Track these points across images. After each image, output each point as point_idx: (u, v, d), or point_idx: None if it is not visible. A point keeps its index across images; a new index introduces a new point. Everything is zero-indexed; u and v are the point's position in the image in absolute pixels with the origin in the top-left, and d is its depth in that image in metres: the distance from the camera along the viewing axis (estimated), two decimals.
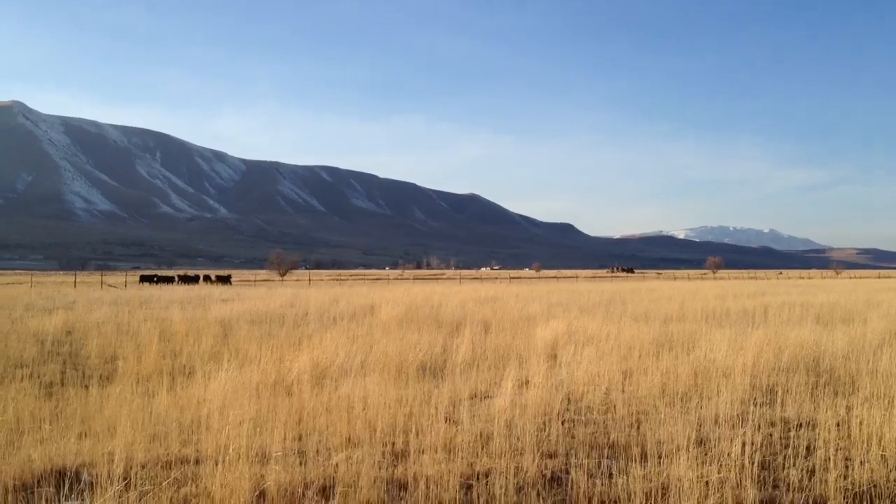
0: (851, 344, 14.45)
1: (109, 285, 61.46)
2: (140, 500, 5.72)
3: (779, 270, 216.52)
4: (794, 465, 6.65)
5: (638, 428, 8.12)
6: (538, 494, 5.98)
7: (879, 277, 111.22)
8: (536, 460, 6.74)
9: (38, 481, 6.30)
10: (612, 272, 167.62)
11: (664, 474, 6.15)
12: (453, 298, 32.99)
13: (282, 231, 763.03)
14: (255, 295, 39.00)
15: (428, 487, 6.00)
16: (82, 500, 5.92)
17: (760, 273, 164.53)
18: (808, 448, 7.25)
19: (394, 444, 7.52)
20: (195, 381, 11.00)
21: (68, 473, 6.52)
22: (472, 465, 6.74)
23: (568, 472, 6.51)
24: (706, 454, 6.72)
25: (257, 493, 5.88)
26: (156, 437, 7.84)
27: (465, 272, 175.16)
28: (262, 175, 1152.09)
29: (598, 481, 6.23)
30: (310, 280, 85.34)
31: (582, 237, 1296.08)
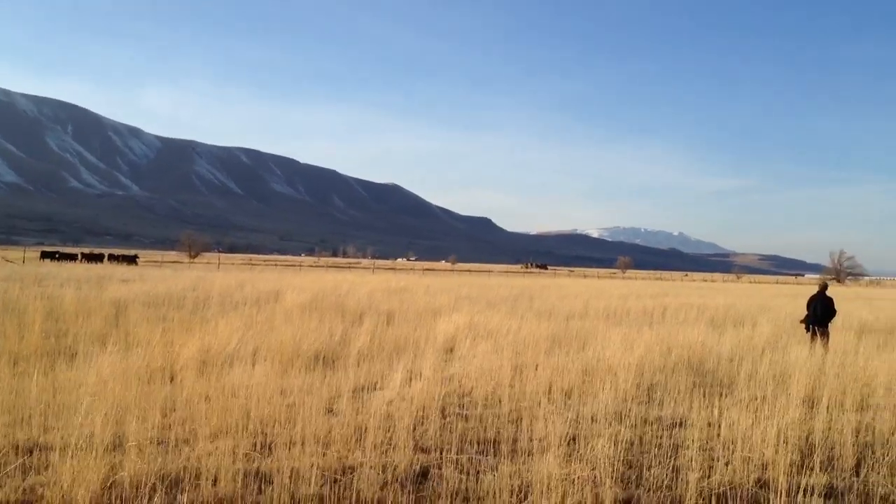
0: (738, 347, 14.93)
1: (7, 260, 58.64)
2: None
3: (685, 273, 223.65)
4: (660, 464, 6.78)
5: (518, 424, 8.15)
6: (403, 490, 5.90)
7: (777, 283, 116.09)
8: (409, 455, 6.67)
9: None
10: (526, 268, 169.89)
11: (532, 471, 6.16)
12: (363, 288, 32.78)
13: (196, 212, 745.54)
14: (159, 276, 37.89)
15: (290, 482, 5.85)
16: None
17: (667, 274, 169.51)
18: (677, 448, 7.40)
19: (266, 435, 7.33)
20: (76, 363, 10.58)
21: None
22: (343, 459, 6.62)
23: (439, 468, 6.46)
24: (577, 452, 6.78)
25: (108, 483, 5.62)
26: (19, 422, 7.45)
27: (380, 262, 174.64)
28: (178, 154, 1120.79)
29: (466, 477, 6.21)
30: (219, 264, 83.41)
31: (500, 232, 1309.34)
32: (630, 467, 6.78)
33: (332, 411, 8.39)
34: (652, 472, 6.57)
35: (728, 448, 7.26)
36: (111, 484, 5.64)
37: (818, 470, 6.78)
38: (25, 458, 6.28)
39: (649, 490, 6.13)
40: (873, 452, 7.35)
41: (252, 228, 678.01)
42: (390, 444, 7.01)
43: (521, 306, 25.69)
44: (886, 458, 7.09)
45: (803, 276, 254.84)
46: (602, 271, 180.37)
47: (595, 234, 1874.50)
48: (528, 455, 6.70)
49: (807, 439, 7.76)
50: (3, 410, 7.70)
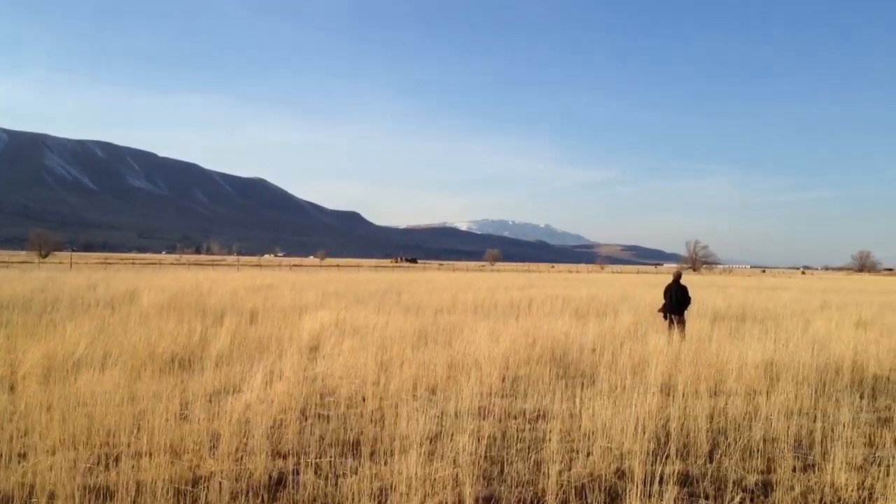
0: (600, 337, 15.30)
1: None
2: None
3: (551, 264, 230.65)
4: (522, 458, 6.77)
5: (382, 423, 7.96)
6: (257, 499, 5.59)
7: (638, 273, 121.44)
8: (265, 461, 6.35)
9: None
10: (396, 262, 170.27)
11: (394, 472, 5.98)
12: (226, 286, 31.77)
13: (47, 209, 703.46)
14: (4, 278, 35.29)
15: (134, 496, 5.43)
16: None
17: (534, 266, 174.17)
18: (539, 441, 7.42)
19: (112, 445, 6.82)
20: None
21: None
22: (194, 468, 6.23)
23: (297, 473, 6.17)
24: (440, 450, 6.66)
25: None
26: None
27: (246, 259, 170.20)
28: (26, 147, 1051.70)
29: (325, 482, 5.96)
30: (72, 263, 78.77)
31: (369, 226, 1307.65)
32: (492, 463, 6.72)
33: (185, 417, 7.92)
34: (514, 466, 6.54)
35: (589, 439, 7.34)
36: None
37: (674, 457, 6.96)
38: None
39: (511, 486, 6.08)
40: (726, 438, 7.62)
41: (109, 226, 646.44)
42: (246, 451, 6.67)
43: (390, 301, 25.56)
44: (738, 443, 7.37)
45: (662, 265, 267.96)
46: (471, 264, 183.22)
47: (464, 227, 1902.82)
48: (390, 455, 6.52)
49: (664, 427, 7.98)
50: None
